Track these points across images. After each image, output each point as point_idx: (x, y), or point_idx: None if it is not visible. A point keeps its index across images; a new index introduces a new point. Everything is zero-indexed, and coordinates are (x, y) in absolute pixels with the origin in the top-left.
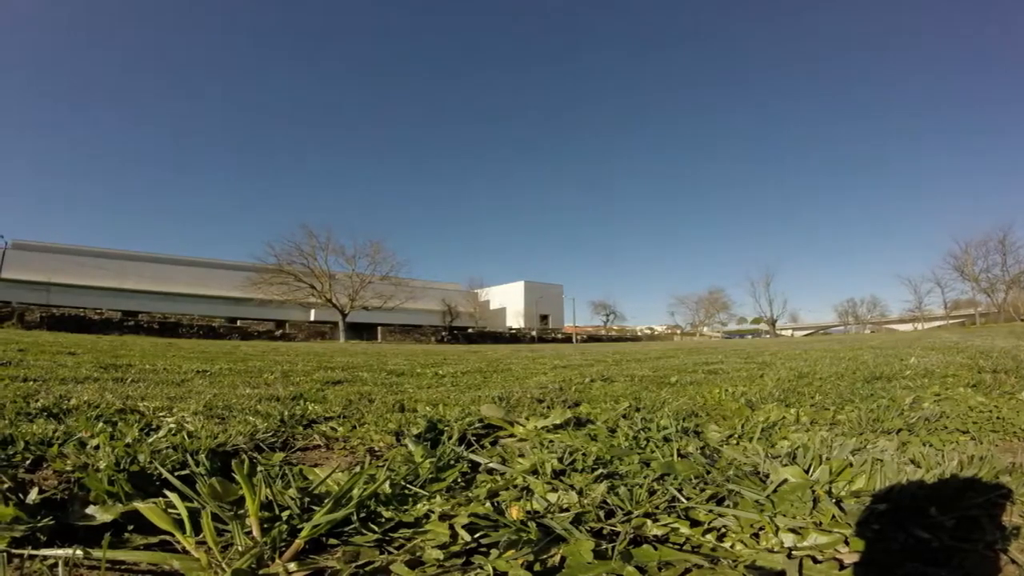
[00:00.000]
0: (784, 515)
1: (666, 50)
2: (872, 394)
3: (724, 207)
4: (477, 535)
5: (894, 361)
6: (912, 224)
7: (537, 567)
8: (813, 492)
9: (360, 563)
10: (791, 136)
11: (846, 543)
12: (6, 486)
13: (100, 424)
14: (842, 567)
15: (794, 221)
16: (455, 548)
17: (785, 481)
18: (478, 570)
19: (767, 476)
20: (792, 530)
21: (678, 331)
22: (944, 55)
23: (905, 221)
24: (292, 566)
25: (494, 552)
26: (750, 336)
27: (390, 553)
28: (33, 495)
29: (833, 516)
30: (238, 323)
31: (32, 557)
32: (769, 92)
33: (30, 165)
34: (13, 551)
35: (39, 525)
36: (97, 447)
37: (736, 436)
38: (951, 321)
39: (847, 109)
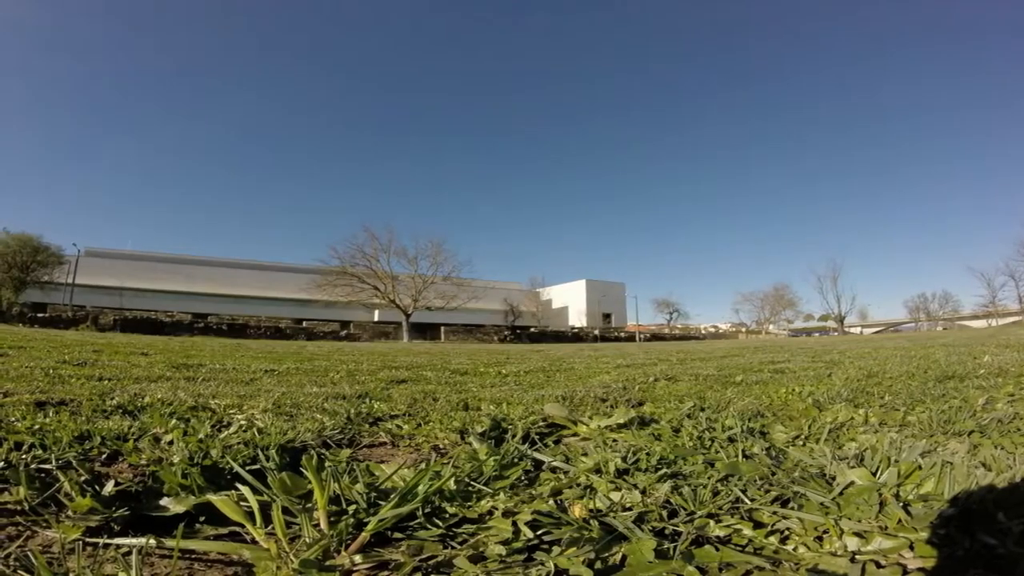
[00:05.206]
0: (849, 518)
1: (724, 45)
2: (944, 394)
3: (789, 200)
4: (540, 532)
5: (967, 359)
6: (983, 213)
7: (598, 565)
8: (880, 495)
9: (424, 557)
10: (855, 127)
11: (911, 548)
12: (83, 479)
13: (173, 420)
14: (905, 572)
15: (861, 214)
16: (517, 544)
17: (851, 483)
18: (540, 566)
19: (833, 478)
20: (857, 534)
21: (743, 329)
22: (1009, 44)
23: (976, 210)
24: (358, 558)
25: (556, 549)
26: (817, 334)
27: (453, 548)
28: (109, 487)
29: (899, 520)
30: (304, 324)
31: (107, 546)
32: (832, 83)
33: (99, 174)
34: (88, 540)
35: (114, 515)
36: (171, 442)
37: (803, 437)
38: None
39: (914, 99)
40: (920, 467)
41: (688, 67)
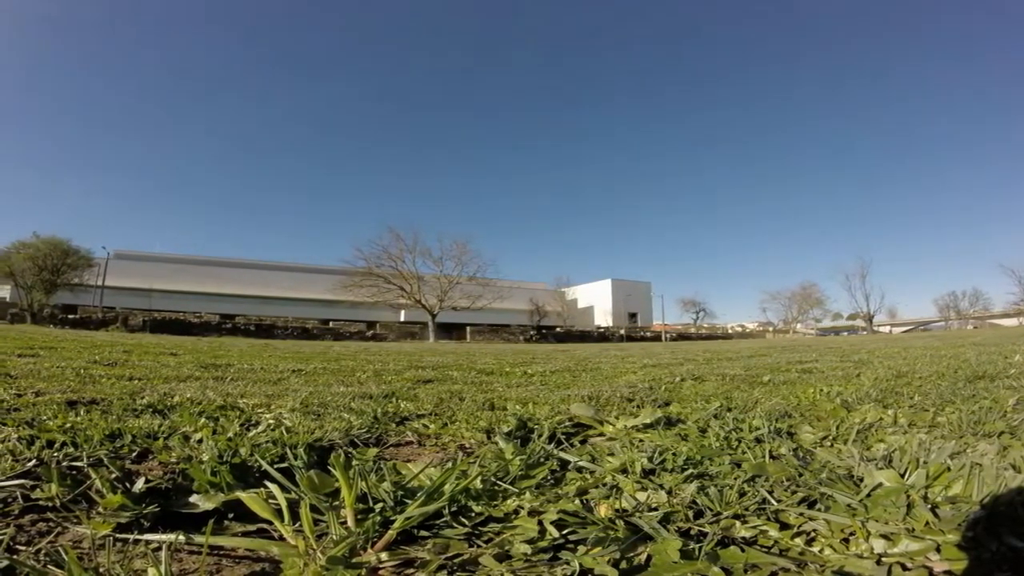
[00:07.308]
0: (876, 520)
1: (749, 38)
2: (974, 395)
3: (816, 197)
4: (565, 531)
5: (997, 359)
6: (1015, 209)
7: (623, 564)
8: (908, 497)
9: (449, 555)
10: (883, 122)
11: (937, 550)
12: (114, 476)
13: (202, 419)
14: (931, 575)
15: (891, 210)
16: (543, 543)
17: (879, 485)
18: (565, 565)
19: (861, 480)
20: (883, 536)
21: (770, 328)
22: None
23: (1008, 206)
24: (384, 555)
25: (581, 548)
26: (846, 333)
27: (479, 546)
28: (139, 484)
29: (927, 522)
30: (331, 324)
31: (136, 542)
32: (857, 78)
33: (128, 178)
34: (118, 536)
35: (144, 512)
36: (200, 441)
37: (830, 438)
38: None
39: (940, 92)
40: (949, 469)
41: (711, 64)
